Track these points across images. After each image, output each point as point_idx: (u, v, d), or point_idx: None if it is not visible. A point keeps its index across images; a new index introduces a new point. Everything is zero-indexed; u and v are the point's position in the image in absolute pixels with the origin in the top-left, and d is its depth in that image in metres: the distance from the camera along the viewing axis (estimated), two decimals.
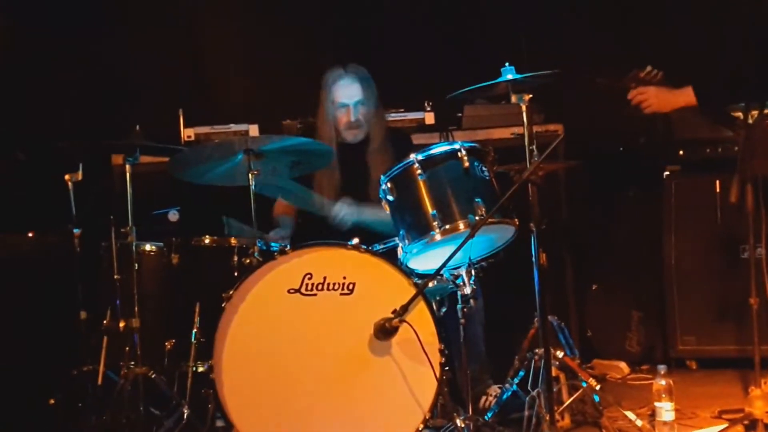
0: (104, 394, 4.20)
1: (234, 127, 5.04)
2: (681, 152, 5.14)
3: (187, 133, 5.04)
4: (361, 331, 3.73)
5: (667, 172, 5.15)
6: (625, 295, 5.32)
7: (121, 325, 4.16)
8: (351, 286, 3.81)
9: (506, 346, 4.52)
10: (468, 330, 4.10)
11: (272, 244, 4.15)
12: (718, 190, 4.98)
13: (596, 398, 4.20)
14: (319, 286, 3.80)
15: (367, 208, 4.45)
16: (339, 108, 4.55)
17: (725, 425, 3.96)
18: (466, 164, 3.93)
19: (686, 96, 4.36)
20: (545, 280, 3.86)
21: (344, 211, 4.44)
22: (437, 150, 3.98)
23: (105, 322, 4.27)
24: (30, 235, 4.70)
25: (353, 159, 4.56)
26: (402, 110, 5.19)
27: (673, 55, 4.80)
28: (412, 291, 3.74)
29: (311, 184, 4.56)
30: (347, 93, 4.53)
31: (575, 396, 4.16)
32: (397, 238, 3.99)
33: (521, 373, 4.21)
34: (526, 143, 4.04)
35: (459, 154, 3.94)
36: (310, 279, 3.80)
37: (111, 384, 4.20)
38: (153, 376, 4.10)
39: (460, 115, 5.21)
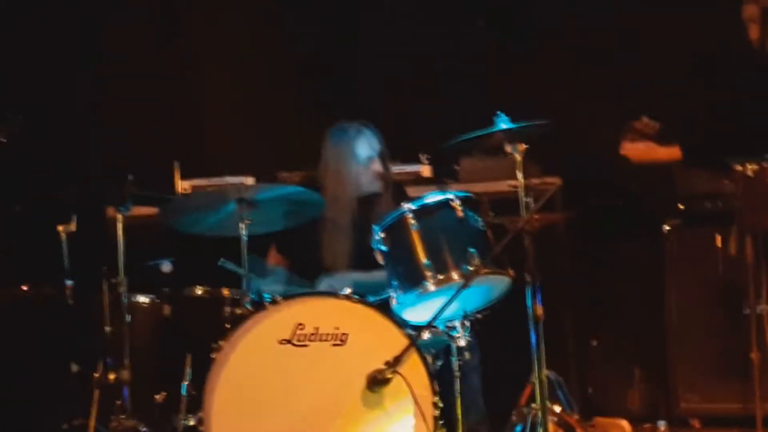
0: None
1: (230, 180, 5.03)
2: (681, 206, 5.11)
3: (183, 186, 5.03)
4: (354, 382, 3.68)
5: (667, 227, 5.11)
6: (626, 351, 5.24)
7: (111, 377, 4.11)
8: (343, 337, 3.75)
9: (506, 401, 4.44)
10: (465, 383, 4.05)
11: (264, 294, 4.10)
12: (719, 244, 4.92)
13: None
14: (311, 337, 3.75)
15: (356, 274, 4.42)
16: (366, 160, 4.55)
17: None
18: (460, 214, 3.90)
19: (671, 152, 4.38)
20: (541, 333, 3.80)
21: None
22: (430, 200, 3.96)
23: (96, 374, 4.21)
24: (24, 288, 4.66)
25: (365, 212, 4.53)
26: (398, 163, 5.17)
27: (669, 109, 4.78)
28: (406, 342, 3.69)
29: (309, 236, 4.53)
30: (373, 145, 4.56)
31: None
32: (390, 289, 3.95)
33: (518, 429, 4.13)
34: (521, 194, 4.02)
35: (452, 203, 3.91)
36: (301, 329, 3.75)
37: None
38: (143, 430, 4.02)
39: (456, 168, 5.19)
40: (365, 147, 4.55)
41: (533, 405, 4.02)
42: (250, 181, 5.01)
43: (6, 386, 4.69)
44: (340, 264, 4.53)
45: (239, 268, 4.00)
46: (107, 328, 4.16)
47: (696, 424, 5.00)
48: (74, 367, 4.41)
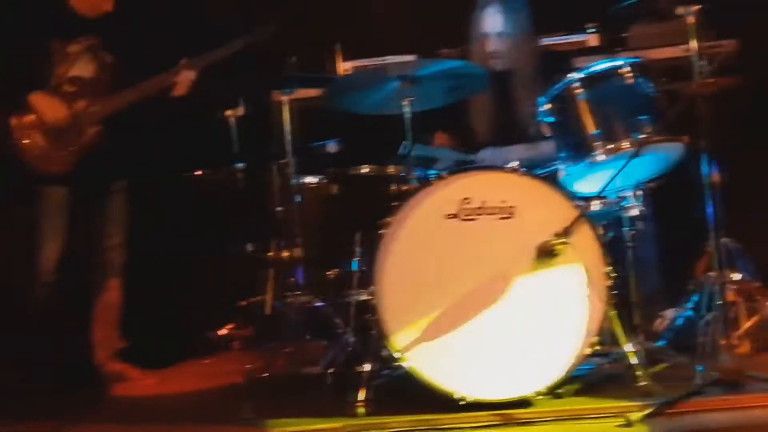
0: (272, 323, 4.28)
1: (391, 60, 4.98)
2: None
3: (345, 67, 5.01)
4: (523, 255, 3.64)
5: None
6: None
7: (285, 256, 4.22)
8: (511, 210, 3.70)
9: (683, 272, 4.31)
10: (638, 253, 3.97)
11: (429, 170, 4.09)
12: None
13: None
14: (478, 211, 3.71)
15: (520, 147, 4.37)
16: (482, 36, 4.47)
17: None
18: (630, 81, 3.77)
19: None
20: (719, 201, 3.67)
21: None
22: (598, 67, 3.83)
23: (270, 254, 4.34)
24: (198, 173, 4.80)
25: (501, 88, 4.46)
26: (563, 33, 5.00)
27: None
28: (575, 214, 3.62)
29: (465, 112, 4.50)
30: (490, 23, 4.47)
31: (753, 321, 3.95)
32: (557, 161, 3.87)
33: (694, 298, 4.03)
34: (694, 58, 3.84)
35: (620, 70, 3.78)
36: (468, 203, 3.71)
37: (278, 313, 4.28)
38: (317, 305, 4.13)
39: (625, 35, 4.97)
40: (485, 22, 4.46)
41: (710, 273, 3.91)
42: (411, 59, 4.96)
43: (186, 270, 4.92)
44: (482, 137, 4.48)
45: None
46: (278, 209, 4.25)
47: None
48: (249, 248, 4.57)
